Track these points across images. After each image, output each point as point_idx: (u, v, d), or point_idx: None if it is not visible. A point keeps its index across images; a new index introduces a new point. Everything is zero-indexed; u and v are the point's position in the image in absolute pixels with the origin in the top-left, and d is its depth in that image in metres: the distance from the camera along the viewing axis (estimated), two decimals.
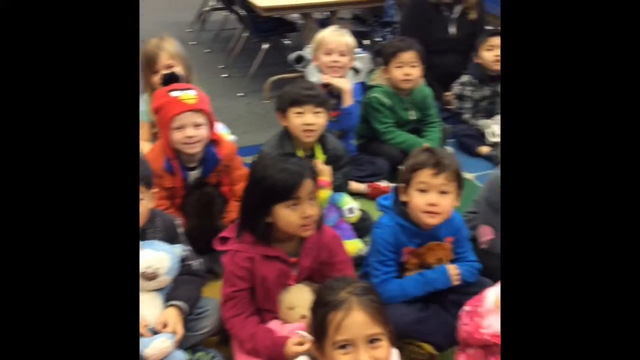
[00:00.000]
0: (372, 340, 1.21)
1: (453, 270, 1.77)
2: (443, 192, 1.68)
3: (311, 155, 2.26)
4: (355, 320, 1.20)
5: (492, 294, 1.55)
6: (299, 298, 1.65)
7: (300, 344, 1.50)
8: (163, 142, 2.04)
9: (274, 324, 1.67)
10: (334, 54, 2.67)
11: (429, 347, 1.71)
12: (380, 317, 1.23)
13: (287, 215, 1.57)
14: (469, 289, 1.75)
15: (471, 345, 1.47)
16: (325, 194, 2.13)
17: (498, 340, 1.36)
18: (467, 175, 2.82)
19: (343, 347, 1.19)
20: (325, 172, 2.18)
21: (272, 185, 1.57)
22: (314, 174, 1.65)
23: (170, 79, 2.22)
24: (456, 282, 1.76)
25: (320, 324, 1.23)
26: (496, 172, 2.04)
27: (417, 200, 1.69)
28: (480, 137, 3.03)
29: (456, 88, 3.16)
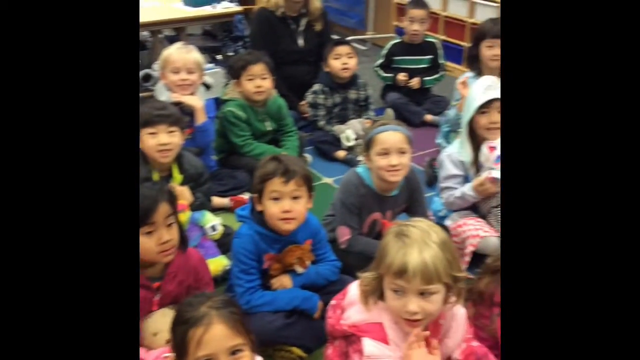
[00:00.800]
0: (234, 352, 1.22)
1: (321, 305, 1.79)
2: (295, 198, 1.73)
3: (168, 176, 2.21)
4: (216, 334, 1.20)
5: (354, 287, 1.62)
6: (163, 322, 1.60)
7: None
8: None
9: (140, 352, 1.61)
10: (182, 71, 2.64)
11: (298, 351, 1.75)
12: (241, 327, 1.24)
13: (143, 243, 1.52)
14: (332, 288, 1.82)
15: (336, 337, 1.52)
16: (184, 216, 2.09)
17: (355, 331, 1.42)
18: (326, 180, 2.93)
19: None
20: (184, 194, 2.14)
21: None
22: (171, 197, 1.62)
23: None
24: (318, 316, 1.78)
25: (180, 342, 1.22)
26: (351, 172, 2.14)
27: (272, 209, 1.73)
28: (336, 142, 3.15)
29: (309, 97, 3.26)
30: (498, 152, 2.18)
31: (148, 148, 2.12)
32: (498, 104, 2.17)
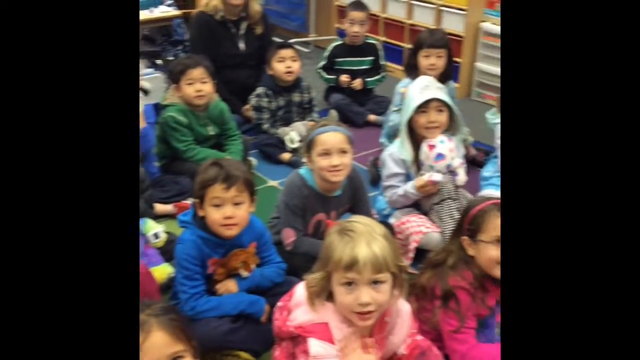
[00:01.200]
0: (174, 359, 1.21)
1: (268, 309, 1.78)
2: (237, 204, 1.72)
3: None
4: (156, 341, 1.19)
5: (300, 289, 1.62)
6: None
7: None
8: None
9: None
10: None
11: (245, 355, 1.73)
12: (181, 334, 1.23)
13: None
14: (278, 290, 1.82)
15: (283, 338, 1.52)
16: None
17: (301, 331, 1.42)
18: (271, 183, 2.92)
19: None
20: None
21: None
22: None
23: None
24: (265, 319, 1.77)
25: None
26: (293, 174, 2.14)
27: (213, 215, 1.71)
28: (281, 145, 3.15)
29: (253, 100, 3.25)
30: (437, 149, 2.23)
31: None
32: (436, 104, 2.22)
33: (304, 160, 2.09)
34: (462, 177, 2.28)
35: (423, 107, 2.22)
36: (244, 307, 1.77)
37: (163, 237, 2.25)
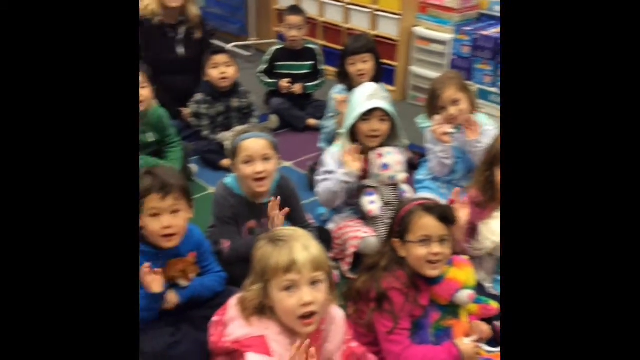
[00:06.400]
0: None
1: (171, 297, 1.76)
2: (174, 212, 1.73)
3: None
4: None
5: (233, 303, 1.63)
6: None
7: None
8: None
9: None
10: None
11: None
12: None
13: None
14: (218, 300, 1.82)
15: (219, 354, 1.54)
16: None
17: (238, 346, 1.44)
18: (212, 190, 2.91)
19: None
20: None
21: None
22: None
23: None
24: (170, 306, 1.76)
25: None
26: (219, 185, 2.13)
27: (152, 226, 1.71)
28: (222, 151, 3.13)
29: (192, 106, 3.24)
30: (384, 159, 2.29)
31: None
32: (379, 113, 2.27)
33: (231, 167, 2.09)
34: (407, 190, 2.35)
35: (366, 115, 2.27)
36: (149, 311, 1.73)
37: None
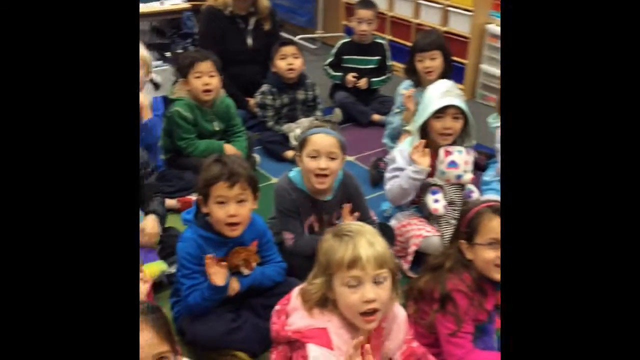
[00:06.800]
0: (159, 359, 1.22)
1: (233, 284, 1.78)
2: (240, 202, 1.73)
3: None
4: (143, 340, 1.19)
5: (296, 294, 1.62)
6: None
7: None
8: None
9: None
10: None
11: (243, 355, 1.74)
12: (167, 335, 1.25)
13: None
14: (278, 290, 1.84)
15: (280, 342, 1.54)
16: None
17: (299, 337, 1.43)
18: (275, 180, 2.94)
19: None
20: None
21: None
22: None
23: None
24: (232, 293, 1.77)
25: None
26: (282, 178, 2.13)
27: (217, 214, 1.72)
28: (285, 142, 3.17)
29: (258, 97, 3.27)
30: (452, 157, 2.23)
31: None
32: (453, 110, 2.21)
33: (297, 158, 2.08)
34: (475, 194, 2.29)
35: (440, 112, 2.21)
36: (210, 303, 1.74)
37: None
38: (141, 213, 2.17)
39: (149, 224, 2.15)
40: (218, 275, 1.70)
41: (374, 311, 1.39)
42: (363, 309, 1.39)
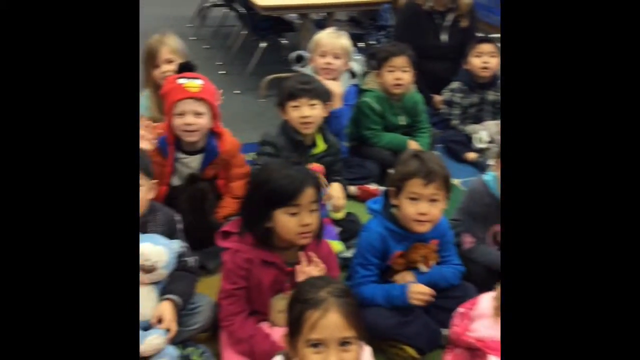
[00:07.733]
0: (343, 343, 1.21)
1: (415, 288, 1.76)
2: (433, 200, 1.72)
3: (313, 145, 2.32)
4: (331, 321, 1.20)
5: (486, 300, 1.59)
6: None
7: None
8: (166, 126, 2.12)
9: (263, 326, 1.68)
10: (328, 56, 2.73)
11: (411, 350, 1.74)
12: (355, 320, 1.24)
13: (285, 222, 1.58)
14: (452, 293, 1.82)
15: (458, 346, 1.52)
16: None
17: (482, 346, 1.41)
18: (454, 181, 2.89)
19: (315, 345, 1.20)
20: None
21: (273, 190, 1.58)
22: (317, 183, 1.64)
23: (185, 68, 2.18)
24: (415, 302, 1.74)
25: (296, 320, 1.23)
26: (477, 180, 2.09)
27: (408, 209, 1.73)
28: (468, 143, 3.09)
29: (446, 94, 3.23)
30: None
31: (292, 120, 2.25)
32: None
33: (492, 162, 2.01)
34: None
35: None
36: (390, 304, 1.75)
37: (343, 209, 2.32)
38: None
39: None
40: (405, 277, 1.74)
41: None
42: None
